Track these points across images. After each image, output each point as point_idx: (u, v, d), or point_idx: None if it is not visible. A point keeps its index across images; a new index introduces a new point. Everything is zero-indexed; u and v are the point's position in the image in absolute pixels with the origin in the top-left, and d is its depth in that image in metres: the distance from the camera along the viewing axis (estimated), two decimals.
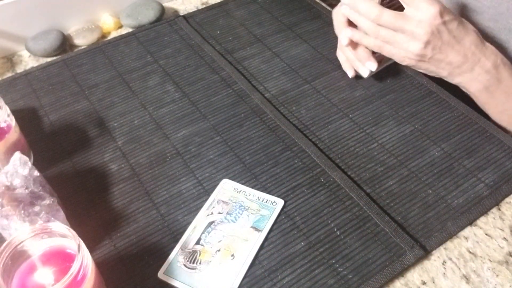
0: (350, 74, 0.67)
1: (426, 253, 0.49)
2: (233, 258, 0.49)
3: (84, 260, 0.40)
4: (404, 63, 0.60)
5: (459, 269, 0.49)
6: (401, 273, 0.48)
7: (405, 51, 0.58)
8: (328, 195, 0.54)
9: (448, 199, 0.54)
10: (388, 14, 0.57)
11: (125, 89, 0.69)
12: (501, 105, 0.60)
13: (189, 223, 0.52)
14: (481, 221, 0.52)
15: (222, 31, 0.79)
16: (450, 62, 0.58)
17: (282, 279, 0.48)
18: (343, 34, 0.63)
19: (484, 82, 0.58)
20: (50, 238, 0.42)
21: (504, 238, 0.51)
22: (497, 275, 0.48)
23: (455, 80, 0.60)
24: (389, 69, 0.68)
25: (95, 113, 0.66)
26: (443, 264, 0.49)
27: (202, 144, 0.61)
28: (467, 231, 0.51)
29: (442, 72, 0.59)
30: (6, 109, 0.55)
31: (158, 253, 0.50)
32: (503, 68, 0.58)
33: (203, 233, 0.51)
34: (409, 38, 0.57)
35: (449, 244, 0.50)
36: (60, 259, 0.43)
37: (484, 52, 0.57)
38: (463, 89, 0.61)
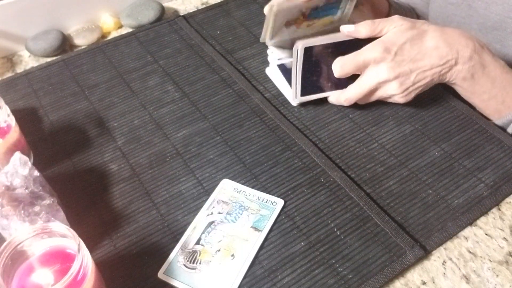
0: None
1: (426, 253, 0.49)
2: (233, 258, 0.49)
3: (84, 260, 0.40)
4: (400, 102, 0.61)
5: (459, 269, 0.49)
6: (401, 273, 0.48)
7: (391, 97, 0.60)
8: (328, 195, 0.54)
9: (448, 199, 0.54)
10: (352, 93, 0.60)
11: (125, 89, 0.69)
12: (487, 92, 0.59)
13: (189, 223, 0.52)
14: (481, 221, 0.52)
15: (222, 31, 0.79)
16: (432, 71, 0.58)
17: (282, 279, 0.48)
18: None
19: (470, 69, 0.58)
20: (50, 238, 0.42)
21: (504, 238, 0.51)
22: (497, 275, 0.48)
23: (446, 78, 0.60)
24: None
25: (95, 113, 0.66)
26: (443, 264, 0.49)
27: (202, 144, 0.61)
28: (467, 231, 0.51)
29: (434, 80, 0.59)
30: (6, 109, 0.55)
31: (158, 253, 0.50)
32: (483, 52, 0.58)
33: (203, 233, 0.51)
34: (384, 88, 0.59)
35: (449, 244, 0.50)
36: (60, 259, 0.43)
37: (460, 42, 0.58)
38: (449, 84, 0.61)
